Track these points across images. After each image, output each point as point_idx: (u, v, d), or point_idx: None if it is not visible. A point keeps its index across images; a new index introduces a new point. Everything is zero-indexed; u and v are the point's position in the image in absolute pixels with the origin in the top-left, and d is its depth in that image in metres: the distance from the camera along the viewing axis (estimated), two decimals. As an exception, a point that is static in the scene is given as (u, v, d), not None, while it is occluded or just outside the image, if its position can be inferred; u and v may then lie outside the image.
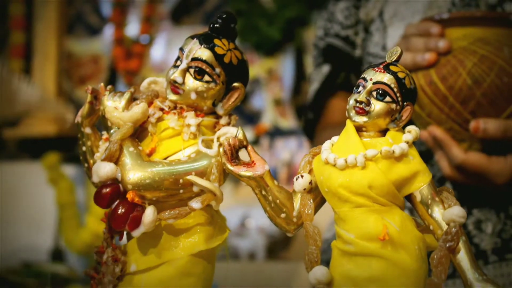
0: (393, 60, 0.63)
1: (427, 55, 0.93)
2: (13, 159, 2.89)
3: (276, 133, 2.66)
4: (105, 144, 0.68)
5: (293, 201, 0.64)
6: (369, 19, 1.19)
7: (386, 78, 0.61)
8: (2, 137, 2.90)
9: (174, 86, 0.67)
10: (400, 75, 0.61)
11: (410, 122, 0.63)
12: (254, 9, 2.59)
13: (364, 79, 0.62)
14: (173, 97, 0.67)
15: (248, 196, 2.38)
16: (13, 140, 2.94)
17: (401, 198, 0.61)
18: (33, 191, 2.72)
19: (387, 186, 0.59)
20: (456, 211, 0.59)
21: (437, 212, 0.60)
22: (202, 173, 0.65)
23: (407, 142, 0.61)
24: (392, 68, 0.62)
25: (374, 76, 0.62)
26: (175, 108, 0.68)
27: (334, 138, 0.64)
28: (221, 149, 0.64)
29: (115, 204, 0.64)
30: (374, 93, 0.61)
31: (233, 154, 0.63)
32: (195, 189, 0.65)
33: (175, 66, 0.67)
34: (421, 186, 0.61)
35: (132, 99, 0.67)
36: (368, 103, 0.61)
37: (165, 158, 0.66)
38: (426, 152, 0.99)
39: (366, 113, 0.61)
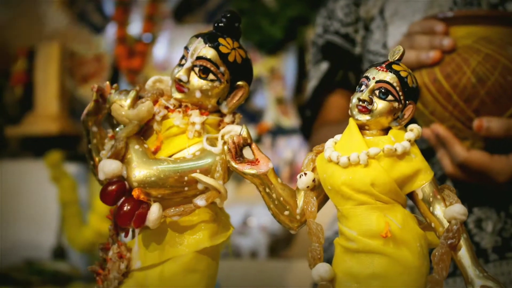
0: (396, 59, 0.63)
1: (432, 53, 0.93)
2: (15, 157, 2.90)
3: (278, 131, 2.66)
4: (111, 142, 0.68)
5: (297, 199, 0.65)
6: (369, 16, 1.19)
7: (389, 77, 0.62)
8: (4, 135, 2.90)
9: (179, 85, 0.67)
10: (403, 74, 0.62)
11: (412, 121, 0.64)
12: (256, 8, 2.59)
13: (367, 78, 0.63)
14: (178, 95, 0.68)
15: (250, 194, 2.40)
16: (16, 138, 2.94)
17: (403, 196, 0.62)
18: (35, 189, 2.73)
19: (390, 184, 0.60)
20: (458, 209, 0.59)
21: (439, 210, 0.61)
22: (206, 171, 0.65)
23: (409, 141, 0.61)
24: (394, 67, 0.62)
25: (377, 75, 0.62)
26: (180, 106, 0.68)
27: (337, 136, 0.65)
28: (225, 147, 0.65)
29: (121, 201, 0.64)
30: (377, 92, 0.62)
31: (237, 152, 0.64)
32: (199, 186, 0.65)
33: (180, 65, 0.68)
34: (423, 184, 0.61)
35: (138, 98, 0.68)
36: (371, 102, 0.61)
37: (170, 156, 0.67)
38: (427, 150, 1.00)
39: (368, 111, 0.62)
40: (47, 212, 2.64)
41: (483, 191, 1.00)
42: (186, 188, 0.65)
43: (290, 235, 2.26)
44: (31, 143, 2.89)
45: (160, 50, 2.88)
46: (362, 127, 0.63)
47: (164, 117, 0.68)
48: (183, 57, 0.68)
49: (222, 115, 0.70)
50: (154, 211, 0.64)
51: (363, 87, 0.63)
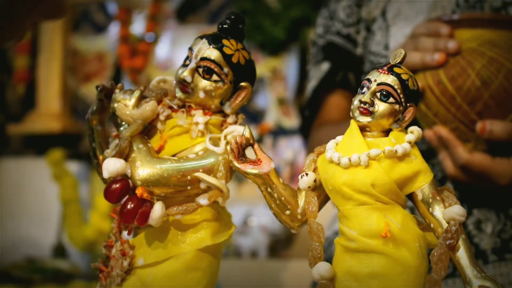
0: (397, 62, 0.64)
1: (437, 55, 0.94)
2: (17, 155, 2.91)
3: (279, 132, 2.67)
4: (115, 140, 0.69)
5: (298, 199, 0.65)
6: (371, 17, 1.19)
7: (390, 79, 0.62)
8: (7, 133, 2.91)
9: (183, 85, 0.68)
10: (404, 76, 0.62)
11: (413, 123, 0.64)
12: (259, 9, 2.59)
13: (369, 80, 0.63)
14: (182, 95, 0.68)
15: (251, 195, 2.40)
16: (18, 136, 2.95)
17: (403, 197, 0.62)
18: (37, 187, 2.73)
19: (390, 184, 0.60)
20: (456, 210, 0.60)
21: (438, 211, 0.61)
22: (209, 170, 0.66)
23: (410, 142, 0.62)
24: (396, 70, 0.63)
25: (378, 78, 0.63)
26: (183, 106, 0.69)
27: (339, 138, 0.65)
28: (228, 147, 0.65)
29: (125, 199, 0.65)
30: (378, 94, 0.62)
31: (240, 152, 0.64)
32: (202, 185, 0.66)
33: (184, 65, 0.69)
34: (422, 185, 0.62)
35: (142, 97, 0.68)
36: (372, 104, 0.62)
37: (174, 155, 0.67)
38: (427, 151, 1.00)
39: (370, 113, 0.62)
40: (48, 210, 2.65)
41: (483, 193, 1.01)
42: (189, 187, 0.66)
43: (290, 235, 2.27)
44: (33, 141, 2.90)
45: (162, 50, 2.89)
46: (363, 129, 0.63)
47: (168, 117, 0.68)
48: (187, 57, 0.69)
49: (225, 116, 0.70)
50: (157, 210, 0.64)
51: (364, 89, 0.63)
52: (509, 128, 0.93)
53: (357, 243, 0.60)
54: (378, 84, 0.62)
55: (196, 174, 0.65)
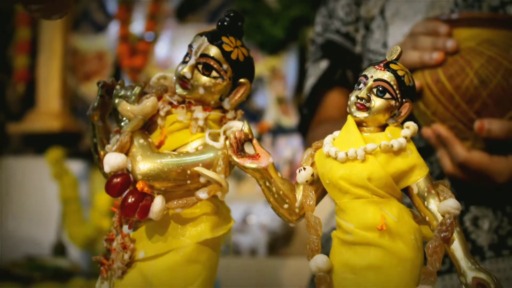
0: (393, 58, 0.65)
1: (435, 54, 0.94)
2: (17, 154, 2.91)
3: (278, 131, 2.67)
4: (116, 136, 0.70)
5: (296, 193, 0.66)
6: (369, 16, 1.20)
7: (386, 75, 0.63)
8: (6, 132, 2.91)
9: (183, 81, 0.69)
10: (400, 73, 0.63)
11: (409, 118, 0.65)
12: (258, 8, 2.60)
13: (365, 76, 0.64)
14: (181, 91, 0.69)
15: (250, 193, 2.41)
16: (18, 135, 2.96)
17: (398, 191, 0.63)
18: (37, 186, 2.74)
19: (386, 178, 0.61)
20: (451, 203, 0.61)
21: (433, 204, 0.62)
22: (208, 165, 0.67)
23: (406, 137, 0.63)
24: (392, 66, 0.64)
25: (375, 74, 0.64)
26: (183, 102, 0.70)
27: (336, 133, 0.66)
28: (227, 142, 0.66)
29: (125, 193, 0.66)
30: (375, 90, 0.63)
31: (239, 147, 0.65)
32: (202, 180, 0.67)
33: (184, 62, 0.69)
34: (418, 179, 0.63)
35: (143, 93, 0.69)
36: (369, 100, 0.63)
37: (174, 150, 0.68)
38: (425, 149, 1.01)
39: (366, 109, 0.63)
40: (48, 209, 2.66)
41: (480, 190, 1.02)
42: (188, 181, 0.67)
43: (289, 233, 2.28)
44: (33, 140, 2.91)
45: (162, 49, 2.89)
46: (360, 124, 0.64)
47: (168, 113, 0.69)
48: (187, 54, 0.70)
49: (224, 111, 0.71)
50: (158, 203, 0.65)
51: (361, 85, 0.64)
52: (507, 126, 0.93)
53: (353, 236, 0.61)
54: (375, 80, 0.63)
55: (196, 168, 0.66)
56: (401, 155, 0.62)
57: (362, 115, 0.64)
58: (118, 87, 0.70)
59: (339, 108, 1.22)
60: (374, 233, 0.61)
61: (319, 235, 0.64)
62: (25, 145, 2.96)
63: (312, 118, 1.29)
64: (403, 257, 0.60)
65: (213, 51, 0.68)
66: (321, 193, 0.67)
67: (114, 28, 2.95)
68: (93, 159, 0.75)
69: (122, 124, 0.69)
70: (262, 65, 2.64)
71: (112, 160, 0.66)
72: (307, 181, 0.66)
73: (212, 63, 0.68)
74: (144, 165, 0.66)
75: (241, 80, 0.70)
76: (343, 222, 0.63)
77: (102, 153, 0.73)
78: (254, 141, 0.66)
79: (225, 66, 0.69)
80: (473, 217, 1.03)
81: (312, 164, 0.66)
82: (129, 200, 0.65)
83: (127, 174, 0.67)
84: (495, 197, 1.03)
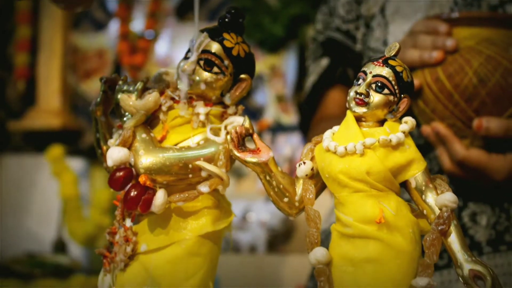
0: (392, 55, 0.66)
1: (435, 53, 0.95)
2: (17, 152, 2.91)
3: (278, 129, 2.68)
4: (119, 131, 0.71)
5: (296, 187, 0.67)
6: (370, 14, 1.20)
7: (385, 71, 0.64)
8: (7, 129, 2.92)
9: (185, 77, 0.70)
10: (398, 69, 0.64)
11: (407, 113, 0.66)
12: (258, 6, 2.60)
13: (364, 72, 0.65)
14: (183, 87, 0.70)
15: (250, 190, 2.41)
16: (18, 133, 2.96)
17: (397, 184, 0.64)
18: (37, 183, 2.74)
19: (384, 172, 0.62)
20: (448, 197, 0.62)
21: (431, 198, 0.63)
22: (210, 159, 0.68)
23: (404, 132, 0.63)
24: (390, 62, 0.65)
25: (374, 70, 0.65)
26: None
27: (335, 128, 0.67)
28: (228, 137, 0.67)
29: (128, 187, 0.67)
30: (373, 86, 0.64)
31: (240, 141, 0.66)
32: (203, 174, 0.68)
33: (186, 58, 0.71)
34: (416, 173, 0.64)
35: (145, 89, 0.70)
36: (368, 95, 0.64)
37: (175, 145, 0.69)
38: (425, 146, 1.02)
39: (365, 104, 0.64)
40: (48, 206, 2.66)
41: (478, 186, 1.02)
42: (190, 175, 0.68)
43: (288, 230, 2.28)
44: (33, 138, 2.91)
45: (162, 47, 2.89)
46: (359, 119, 0.65)
47: (170, 108, 0.70)
48: (189, 50, 0.71)
49: (225, 107, 0.72)
50: (160, 197, 0.66)
51: (360, 81, 0.65)
52: (505, 125, 0.94)
53: (352, 229, 0.62)
54: (374, 76, 0.64)
55: (197, 162, 0.67)
56: (399, 149, 0.63)
57: (361, 110, 0.64)
58: (120, 82, 0.71)
59: (339, 106, 1.23)
60: (372, 226, 0.61)
61: (318, 228, 0.65)
62: (26, 143, 2.95)
63: (313, 116, 1.30)
64: (401, 250, 0.61)
65: (215, 47, 0.69)
66: (321, 187, 0.68)
67: (114, 26, 2.95)
68: (93, 156, 0.76)
69: (125, 119, 0.70)
70: (262, 63, 2.65)
71: (115, 154, 0.66)
72: (306, 175, 0.67)
73: (213, 59, 0.69)
74: (146, 159, 0.67)
75: (242, 76, 0.71)
76: (342, 215, 0.64)
77: (105, 148, 0.73)
78: (255, 135, 0.67)
79: (226, 62, 0.70)
80: (471, 213, 1.04)
81: (312, 159, 0.67)
82: (132, 194, 0.66)
83: (130, 168, 0.68)
84: (493, 194, 1.04)
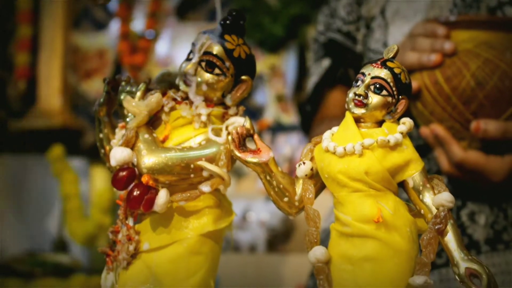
0: (390, 56, 0.67)
1: (433, 56, 0.96)
2: (18, 151, 2.92)
3: (278, 128, 2.68)
4: (122, 131, 0.72)
5: (295, 186, 0.68)
6: (370, 15, 1.21)
7: (383, 73, 0.65)
8: (8, 129, 2.92)
9: (187, 78, 0.71)
10: (396, 70, 0.65)
11: (405, 115, 0.67)
12: (258, 6, 2.60)
13: (363, 74, 0.66)
14: (185, 88, 0.71)
15: (250, 190, 2.41)
16: (19, 132, 2.96)
17: (394, 184, 0.65)
18: (38, 183, 2.75)
19: (382, 172, 0.63)
20: (445, 197, 0.63)
21: (428, 197, 0.64)
22: (211, 159, 0.69)
23: (402, 133, 0.64)
24: (389, 64, 0.66)
25: (372, 71, 0.65)
26: (187, 98, 0.72)
27: (334, 128, 0.68)
28: (229, 137, 0.68)
29: (131, 186, 0.68)
30: (372, 87, 0.65)
31: (241, 142, 0.67)
32: (204, 173, 0.69)
33: (188, 60, 0.72)
34: (413, 173, 0.64)
35: (147, 90, 0.71)
36: (366, 96, 0.65)
37: (178, 145, 0.70)
38: (424, 146, 1.03)
39: (364, 105, 0.65)
40: (49, 206, 2.67)
41: (477, 186, 1.03)
42: (192, 175, 0.69)
43: (288, 230, 2.28)
44: (34, 137, 2.91)
45: (162, 47, 2.90)
46: (357, 120, 0.66)
47: (172, 108, 0.71)
48: (191, 52, 0.72)
49: (226, 108, 0.73)
50: (162, 196, 0.67)
51: (359, 82, 0.66)
52: (503, 127, 0.95)
53: (351, 228, 0.63)
54: (372, 78, 0.65)
55: (199, 162, 0.68)
56: (397, 150, 0.64)
57: (360, 111, 0.65)
58: (123, 83, 0.72)
59: (341, 106, 1.23)
60: (371, 225, 0.62)
61: (318, 227, 0.66)
62: (26, 142, 2.96)
63: (315, 115, 1.31)
64: (398, 248, 0.62)
65: (216, 49, 0.70)
66: (320, 187, 0.69)
67: (114, 26, 2.95)
68: (93, 156, 0.77)
69: (128, 119, 0.71)
70: (262, 63, 2.65)
71: (118, 154, 0.67)
72: (306, 175, 0.68)
73: (215, 60, 0.70)
74: (149, 159, 0.68)
75: (243, 77, 0.72)
76: (341, 214, 0.64)
77: (108, 148, 0.75)
78: (256, 136, 0.68)
79: (227, 63, 0.71)
80: (470, 212, 1.05)
81: (312, 159, 0.68)
82: (135, 193, 0.67)
83: (133, 168, 0.69)
84: (491, 193, 1.05)
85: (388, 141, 0.64)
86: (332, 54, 1.26)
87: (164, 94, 0.72)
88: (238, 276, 1.99)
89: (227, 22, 0.71)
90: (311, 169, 0.68)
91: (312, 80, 1.29)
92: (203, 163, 0.68)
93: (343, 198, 0.64)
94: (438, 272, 1.04)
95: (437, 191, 0.64)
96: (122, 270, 0.70)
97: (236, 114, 0.73)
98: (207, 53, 0.70)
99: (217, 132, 0.70)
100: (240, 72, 0.72)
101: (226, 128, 0.70)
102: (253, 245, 2.23)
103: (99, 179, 2.68)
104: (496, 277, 1.00)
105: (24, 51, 2.96)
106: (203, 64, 0.71)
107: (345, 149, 0.64)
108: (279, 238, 2.27)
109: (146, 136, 0.69)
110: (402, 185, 0.66)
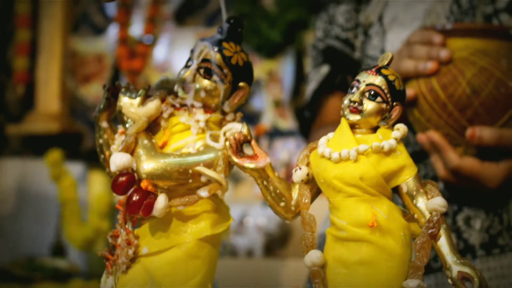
0: (385, 64, 0.68)
1: (429, 63, 0.97)
2: (16, 155, 2.92)
3: (275, 133, 2.69)
4: (121, 137, 0.72)
5: (292, 191, 0.69)
6: (368, 22, 1.22)
7: (378, 80, 0.66)
8: (6, 133, 2.92)
9: (185, 85, 0.72)
10: (390, 78, 0.66)
11: (401, 121, 0.68)
12: (256, 12, 2.61)
13: (358, 81, 0.67)
14: (183, 95, 0.72)
15: (247, 195, 2.42)
16: (17, 137, 2.96)
17: (389, 189, 0.66)
18: (36, 187, 2.75)
19: (377, 178, 0.64)
20: (438, 201, 0.64)
21: (421, 202, 0.65)
22: (209, 165, 0.70)
23: (396, 139, 0.65)
24: (383, 71, 0.67)
25: (367, 78, 0.67)
26: (185, 105, 0.73)
27: (330, 134, 0.69)
28: (227, 143, 0.69)
29: (130, 191, 0.69)
30: (367, 94, 0.66)
31: (238, 147, 0.68)
32: (203, 179, 0.70)
33: (186, 66, 0.73)
34: (407, 179, 0.65)
35: (146, 96, 0.72)
36: (361, 103, 0.66)
37: (176, 151, 0.71)
38: (420, 152, 1.04)
39: (359, 112, 0.66)
40: (47, 210, 2.66)
41: (473, 191, 1.04)
42: (190, 180, 0.70)
43: (285, 235, 2.29)
44: (32, 142, 2.91)
45: (160, 52, 2.90)
46: (353, 126, 0.67)
47: (171, 115, 0.72)
48: (189, 59, 0.73)
49: (224, 114, 0.74)
50: (161, 201, 0.68)
51: (354, 89, 0.67)
52: (498, 134, 0.96)
53: (346, 232, 0.64)
54: (367, 85, 0.66)
55: (197, 168, 0.69)
56: (391, 155, 0.65)
57: (355, 117, 0.66)
58: (123, 89, 0.73)
59: (339, 113, 1.24)
60: (365, 230, 0.63)
61: (313, 232, 0.67)
62: (24, 147, 2.96)
63: (313, 121, 1.32)
64: (392, 252, 0.63)
65: (214, 56, 0.72)
66: (316, 192, 0.70)
67: (113, 31, 2.96)
68: (92, 161, 0.78)
69: (127, 125, 0.72)
70: (259, 68, 2.66)
71: (118, 159, 0.68)
72: (302, 180, 0.69)
73: (213, 67, 0.71)
74: (148, 164, 0.69)
75: (241, 84, 0.74)
76: (336, 219, 0.66)
77: (108, 153, 0.75)
78: (253, 142, 0.69)
79: (225, 70, 0.72)
80: (465, 217, 1.06)
81: (308, 164, 0.69)
82: (134, 198, 0.68)
83: (132, 173, 0.69)
84: (487, 199, 1.06)
85: (383, 147, 0.65)
86: (330, 61, 1.27)
87: (163, 100, 0.73)
88: (235, 280, 2.00)
89: (225, 29, 0.72)
90: (307, 175, 0.69)
91: (310, 87, 1.30)
92: (201, 168, 0.69)
93: (338, 203, 0.66)
94: (434, 276, 1.05)
95: (430, 196, 0.65)
96: (121, 274, 0.71)
97: (233, 120, 0.74)
98: (205, 60, 0.71)
99: (215, 138, 0.71)
100: (237, 79, 0.73)
101: (224, 134, 0.71)
102: (251, 249, 2.23)
103: (97, 183, 2.68)
104: (491, 282, 1.02)
105: (22, 55, 2.97)
106: (202, 71, 0.72)
107: (340, 155, 0.65)
108: (276, 243, 2.28)
109: (145, 142, 0.70)
110: (396, 190, 0.67)
